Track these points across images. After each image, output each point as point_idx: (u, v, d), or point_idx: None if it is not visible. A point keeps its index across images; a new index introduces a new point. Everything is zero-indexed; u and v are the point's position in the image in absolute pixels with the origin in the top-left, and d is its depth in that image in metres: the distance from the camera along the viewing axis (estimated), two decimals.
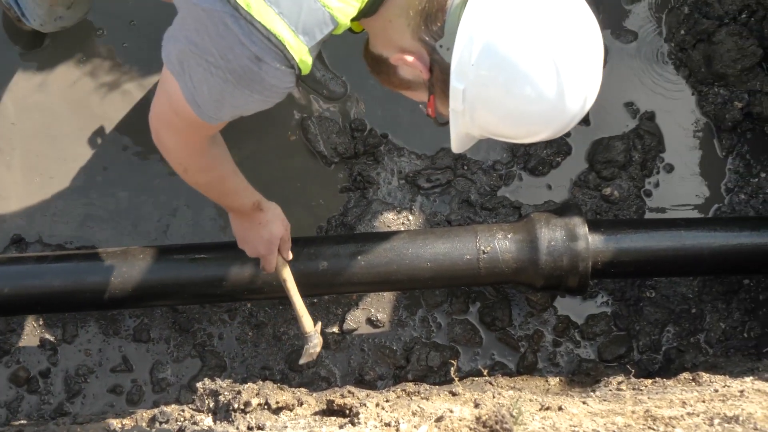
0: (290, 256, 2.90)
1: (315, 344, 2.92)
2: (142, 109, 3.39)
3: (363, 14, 2.05)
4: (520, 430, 2.04)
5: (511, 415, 2.05)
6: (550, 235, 3.01)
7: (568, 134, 3.48)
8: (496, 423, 1.99)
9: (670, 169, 3.48)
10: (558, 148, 3.45)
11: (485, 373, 3.22)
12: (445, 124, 2.16)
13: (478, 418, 2.03)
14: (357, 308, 3.37)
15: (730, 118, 3.47)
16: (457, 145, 2.19)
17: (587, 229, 3.01)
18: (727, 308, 3.41)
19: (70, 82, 3.41)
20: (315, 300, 3.35)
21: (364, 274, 3.01)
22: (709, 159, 3.51)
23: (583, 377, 3.23)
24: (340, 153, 3.42)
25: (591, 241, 3.01)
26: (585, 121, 3.47)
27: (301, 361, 2.95)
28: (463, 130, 2.11)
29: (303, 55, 1.96)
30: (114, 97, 3.41)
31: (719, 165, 3.51)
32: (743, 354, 3.34)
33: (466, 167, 3.44)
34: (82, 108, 3.41)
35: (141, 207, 3.40)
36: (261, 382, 2.87)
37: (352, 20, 2.04)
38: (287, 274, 2.89)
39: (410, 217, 3.41)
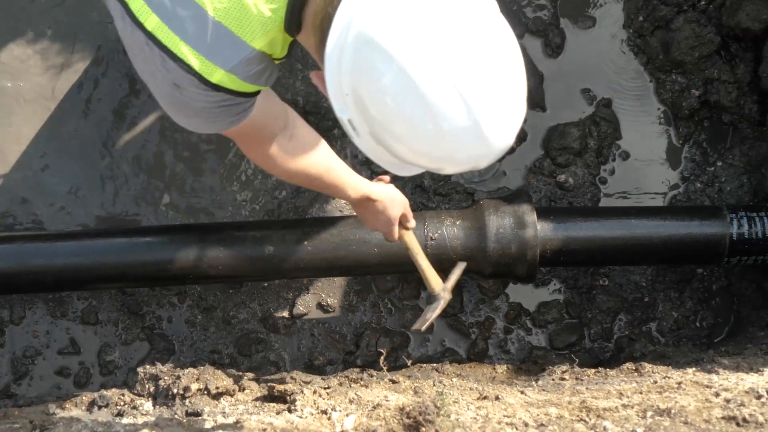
0: (413, 224, 2.82)
1: (434, 307, 2.79)
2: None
3: (289, 30, 1.89)
4: (443, 420, 2.03)
5: (435, 406, 2.04)
6: (499, 222, 2.99)
7: (525, 120, 3.44)
8: (420, 414, 1.97)
9: (626, 156, 3.46)
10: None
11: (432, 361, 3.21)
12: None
13: (401, 408, 2.01)
14: (308, 293, 3.35)
15: (687, 106, 3.45)
16: (395, 170, 1.92)
17: (536, 216, 2.99)
18: (680, 297, 3.40)
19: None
20: (265, 284, 3.33)
21: (310, 259, 2.99)
22: (666, 147, 3.49)
23: (530, 365, 3.22)
24: None
25: (540, 229, 2.99)
26: (541, 107, 3.44)
27: (414, 328, 2.76)
28: (380, 156, 1.83)
29: (221, 77, 1.86)
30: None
31: (676, 153, 3.49)
32: (694, 344, 3.33)
33: None
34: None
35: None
36: (202, 368, 2.85)
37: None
38: (410, 242, 2.83)
39: None
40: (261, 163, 2.36)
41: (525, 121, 3.38)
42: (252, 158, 2.35)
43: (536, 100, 3.44)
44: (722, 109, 3.45)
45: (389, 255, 2.99)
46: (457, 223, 3.02)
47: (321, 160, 2.43)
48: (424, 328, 2.70)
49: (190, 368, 2.82)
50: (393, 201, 2.70)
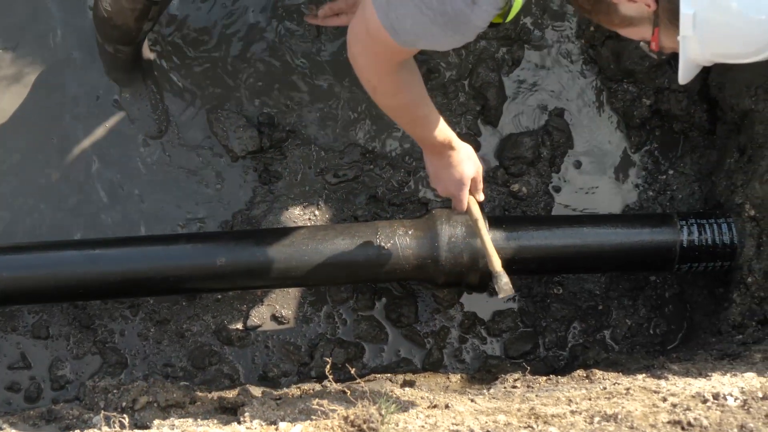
0: (482, 197, 2.87)
1: (506, 281, 2.81)
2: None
3: None
4: (387, 428, 2.02)
5: (380, 414, 2.03)
6: (451, 231, 2.99)
7: (478, 132, 3.47)
8: (364, 422, 1.97)
9: (578, 165, 3.48)
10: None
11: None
12: (663, 58, 2.12)
13: (346, 417, 2.01)
14: (261, 304, 3.33)
15: (638, 114, 3.48)
16: (684, 75, 2.12)
17: (488, 225, 2.99)
18: (634, 305, 3.42)
19: None
20: (219, 296, 3.31)
21: (262, 270, 2.98)
22: (618, 156, 3.52)
23: (484, 374, 3.22)
24: (247, 147, 3.38)
25: (492, 238, 2.99)
26: (494, 119, 3.46)
27: (501, 296, 2.82)
28: (692, 57, 2.05)
29: None
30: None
31: (628, 162, 3.52)
32: (647, 351, 3.35)
33: (373, 163, 3.42)
34: None
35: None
36: (152, 381, 2.83)
37: None
38: (478, 214, 2.85)
39: (317, 213, 3.38)
40: (369, 71, 2.45)
41: (479, 133, 3.45)
42: (361, 63, 2.44)
43: (493, 120, 3.46)
44: (673, 118, 3.48)
45: (341, 265, 2.98)
46: (410, 232, 3.02)
47: (421, 93, 2.56)
48: (512, 292, 2.81)
49: (140, 381, 2.79)
50: (471, 155, 2.77)
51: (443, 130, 2.66)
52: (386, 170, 3.42)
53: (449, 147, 2.69)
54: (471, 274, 3.01)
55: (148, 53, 3.41)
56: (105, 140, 3.39)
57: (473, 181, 2.81)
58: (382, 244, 2.98)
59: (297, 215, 3.37)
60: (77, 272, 2.99)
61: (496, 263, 2.83)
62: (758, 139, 3.18)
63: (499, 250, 3.00)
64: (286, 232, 3.03)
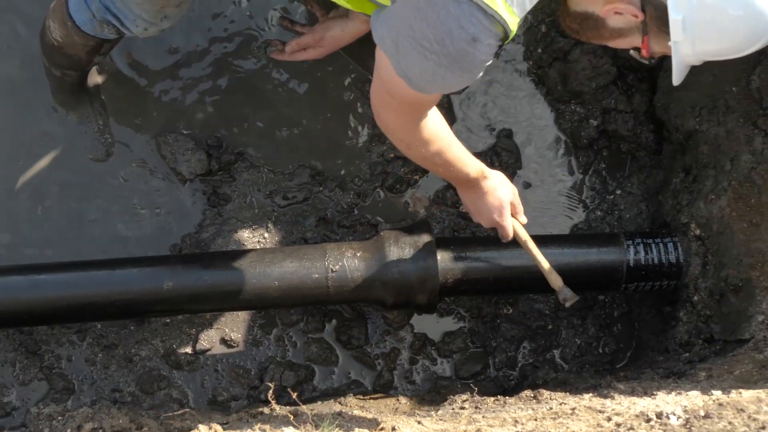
0: (525, 219, 2.92)
1: (571, 293, 2.91)
2: None
3: None
4: None
5: None
6: (399, 253, 2.99)
7: None
8: None
9: (527, 186, 3.50)
10: (415, 166, 3.44)
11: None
12: (653, 62, 2.28)
13: None
14: (211, 328, 3.31)
15: (586, 135, 3.51)
16: (678, 77, 2.23)
17: (436, 246, 3.00)
18: (583, 324, 3.44)
19: None
20: (167, 320, 3.29)
21: (210, 293, 2.97)
22: (567, 176, 3.54)
23: (434, 395, 3.22)
24: (195, 170, 3.36)
25: (440, 259, 3.00)
26: None
27: (568, 305, 2.95)
28: (685, 60, 2.17)
29: (514, 27, 2.09)
30: None
31: (576, 182, 3.54)
32: (596, 370, 3.37)
33: (323, 185, 3.42)
34: None
35: None
36: (97, 407, 2.80)
37: None
38: (525, 236, 2.90)
39: (266, 235, 3.37)
40: (399, 131, 2.51)
41: None
42: (390, 124, 2.49)
43: None
44: (620, 139, 3.51)
45: (290, 288, 2.97)
46: (358, 254, 3.02)
47: (450, 135, 2.60)
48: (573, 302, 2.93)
49: (85, 407, 2.76)
50: (504, 180, 2.82)
51: (474, 163, 2.71)
52: (335, 192, 3.42)
53: (482, 177, 2.74)
54: (419, 295, 3.01)
55: (95, 77, 3.39)
56: (52, 163, 3.36)
57: (512, 205, 2.85)
58: (331, 266, 2.98)
59: (246, 238, 3.36)
60: (22, 298, 2.97)
61: (556, 280, 2.92)
62: (703, 159, 3.22)
63: (447, 271, 3.02)
64: (234, 255, 3.01)
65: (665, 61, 3.32)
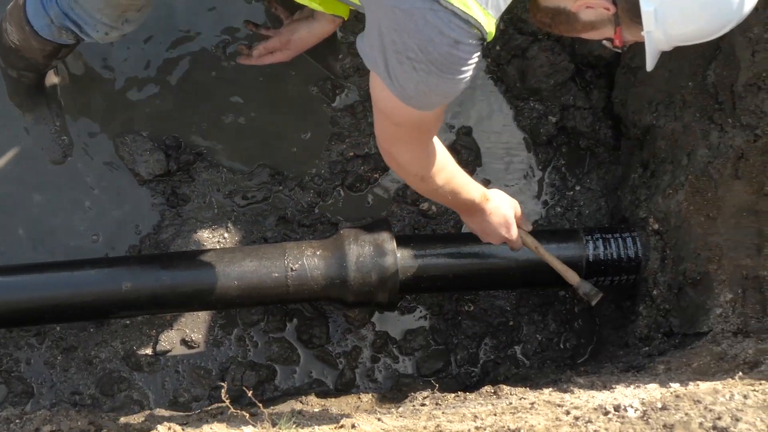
0: (530, 226, 3.01)
1: (590, 287, 3.00)
2: None
3: None
4: None
5: None
6: (359, 251, 2.99)
7: None
8: None
9: (487, 183, 3.50)
10: (376, 164, 3.44)
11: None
12: (625, 50, 2.30)
13: None
14: (171, 329, 3.30)
15: (545, 132, 3.52)
16: (651, 63, 2.25)
17: (395, 244, 3.00)
18: (544, 320, 3.45)
19: None
20: (127, 322, 3.27)
21: (169, 294, 2.95)
22: (526, 173, 3.56)
23: (396, 393, 3.22)
24: (154, 171, 3.35)
25: (400, 257, 3.01)
26: None
27: (593, 302, 3.01)
28: (657, 47, 2.19)
29: (492, 27, 2.11)
30: None
31: (536, 178, 3.55)
32: (557, 365, 3.38)
33: (282, 184, 3.41)
34: None
35: None
36: (55, 409, 2.78)
37: None
38: (534, 242, 2.97)
39: (226, 235, 3.36)
40: (413, 163, 2.49)
41: None
42: (403, 159, 2.47)
43: None
44: (579, 135, 3.53)
45: (250, 287, 2.96)
46: (318, 253, 3.01)
47: (453, 161, 2.62)
48: (599, 293, 3.00)
49: (43, 410, 2.74)
50: (504, 196, 2.86)
51: (477, 187, 2.72)
52: (295, 191, 3.42)
53: (485, 200, 2.75)
54: (380, 293, 3.01)
55: (53, 78, 3.36)
56: (8, 166, 3.33)
57: (516, 218, 2.88)
58: (291, 265, 2.97)
59: (206, 238, 3.34)
60: None
61: (573, 277, 2.99)
62: (660, 155, 3.24)
63: (407, 269, 3.03)
64: (193, 255, 3.00)
65: (622, 57, 3.35)
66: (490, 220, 2.80)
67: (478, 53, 2.16)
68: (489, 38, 2.14)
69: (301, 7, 3.19)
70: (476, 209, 2.77)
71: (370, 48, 2.19)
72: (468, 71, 2.19)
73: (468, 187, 2.68)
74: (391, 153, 2.47)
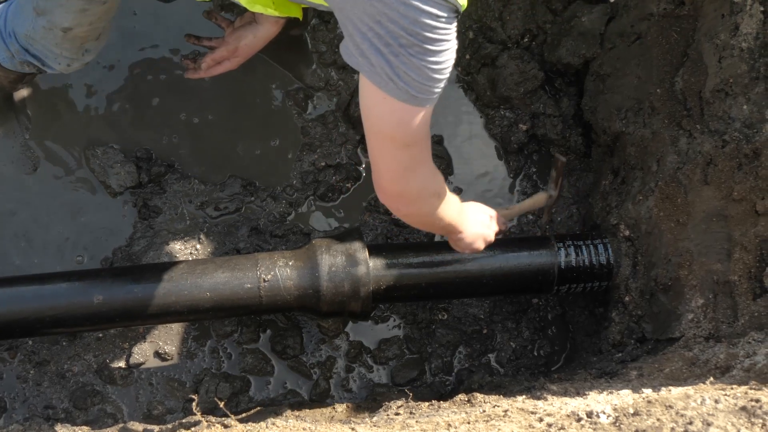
0: (511, 217, 3.26)
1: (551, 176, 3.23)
2: None
3: None
4: None
5: None
6: (331, 261, 2.99)
7: (359, 161, 3.49)
8: None
9: (459, 192, 3.52)
10: (347, 174, 3.45)
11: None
12: None
13: None
14: (144, 341, 3.28)
15: (515, 140, 3.54)
16: None
17: (368, 254, 3.00)
18: (517, 328, 3.46)
19: None
20: (100, 335, 3.25)
21: (141, 306, 2.93)
22: (498, 181, 3.57)
23: (370, 403, 3.22)
24: (125, 183, 3.33)
25: (372, 266, 3.01)
26: None
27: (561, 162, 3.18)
28: None
29: (464, 1, 2.06)
30: None
31: (508, 186, 3.57)
32: (531, 372, 3.39)
33: (254, 195, 3.41)
34: None
35: None
36: (28, 424, 2.76)
37: None
38: (512, 210, 3.19)
39: (198, 247, 3.35)
40: (422, 192, 2.41)
41: (360, 162, 3.47)
42: (413, 191, 2.38)
43: None
44: (550, 142, 3.55)
45: (223, 299, 2.95)
46: (290, 263, 3.01)
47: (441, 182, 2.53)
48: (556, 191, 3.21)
49: (16, 425, 2.72)
50: (476, 206, 2.90)
51: (456, 198, 2.66)
52: (267, 202, 3.41)
53: (463, 211, 2.72)
54: (353, 303, 3.01)
55: (21, 91, 3.35)
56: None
57: (492, 219, 2.91)
58: (263, 276, 2.97)
59: (178, 250, 3.33)
60: None
61: (541, 198, 3.25)
62: (630, 161, 3.26)
63: (380, 278, 3.03)
64: (165, 267, 2.99)
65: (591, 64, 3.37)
66: (472, 232, 2.79)
67: (456, 24, 2.10)
68: (462, 9, 2.10)
69: (242, 12, 3.17)
70: (459, 228, 2.73)
71: (361, 56, 2.10)
72: (454, 40, 2.13)
73: (452, 202, 2.61)
74: (404, 190, 2.36)
